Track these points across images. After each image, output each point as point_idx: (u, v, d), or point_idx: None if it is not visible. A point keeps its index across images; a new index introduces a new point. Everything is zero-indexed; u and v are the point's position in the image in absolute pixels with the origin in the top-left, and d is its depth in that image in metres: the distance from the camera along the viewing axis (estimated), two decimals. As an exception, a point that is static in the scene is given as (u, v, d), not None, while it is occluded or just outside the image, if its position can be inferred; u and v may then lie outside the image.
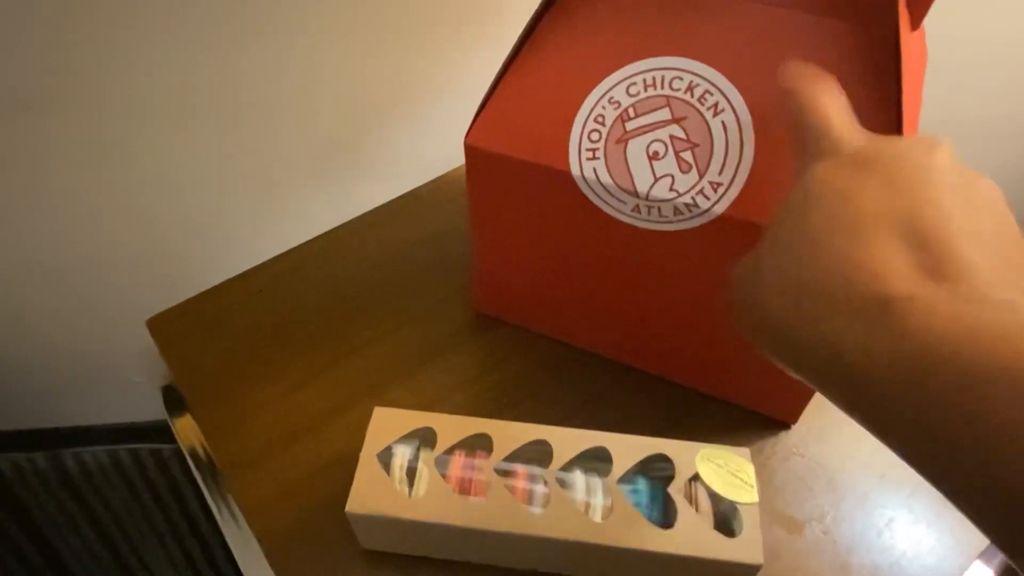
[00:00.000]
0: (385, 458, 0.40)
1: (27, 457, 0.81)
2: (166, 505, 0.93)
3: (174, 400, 0.59)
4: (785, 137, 0.30)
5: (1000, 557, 0.44)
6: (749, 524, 0.37)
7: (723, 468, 0.39)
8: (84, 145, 0.56)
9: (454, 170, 0.67)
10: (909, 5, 0.33)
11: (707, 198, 0.37)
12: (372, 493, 0.38)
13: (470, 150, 0.42)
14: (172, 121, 0.58)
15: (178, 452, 0.85)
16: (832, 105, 0.27)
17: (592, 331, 0.51)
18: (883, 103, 0.34)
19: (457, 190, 0.65)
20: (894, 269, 0.21)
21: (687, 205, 0.38)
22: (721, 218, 0.37)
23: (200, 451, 0.54)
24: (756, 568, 0.36)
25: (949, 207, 0.21)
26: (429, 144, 0.72)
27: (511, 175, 0.42)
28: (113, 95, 0.54)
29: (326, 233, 0.62)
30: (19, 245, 0.61)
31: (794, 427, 0.48)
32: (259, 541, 0.43)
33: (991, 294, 0.19)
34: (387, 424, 0.41)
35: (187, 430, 0.56)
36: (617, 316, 0.48)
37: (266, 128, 0.63)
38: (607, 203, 0.40)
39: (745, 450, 0.40)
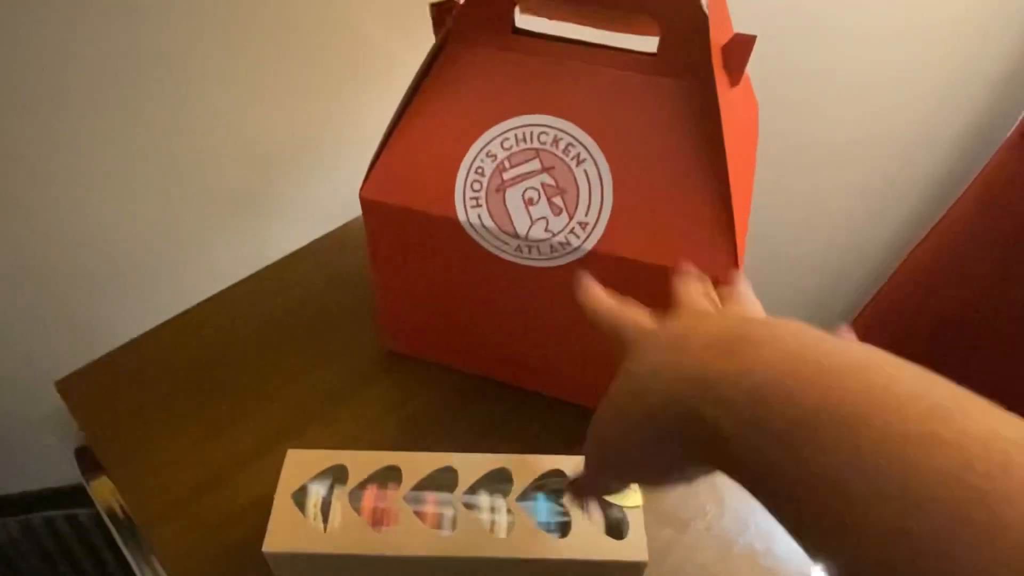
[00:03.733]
0: (300, 497, 0.42)
1: None
2: (84, 572, 0.90)
3: (89, 461, 0.58)
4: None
5: None
6: (635, 526, 0.41)
7: (611, 477, 0.43)
8: None
9: (356, 218, 0.71)
10: (725, 66, 0.39)
11: (577, 236, 0.42)
12: (288, 531, 0.40)
13: (366, 202, 0.46)
14: (70, 178, 0.59)
15: (95, 516, 0.82)
16: (614, 307, 0.31)
17: (491, 360, 0.55)
18: (708, 142, 0.40)
19: (360, 236, 0.68)
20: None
21: (561, 243, 0.43)
22: (591, 253, 0.42)
23: (118, 510, 0.54)
24: (642, 565, 0.40)
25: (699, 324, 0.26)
26: (331, 192, 0.75)
27: (405, 223, 0.46)
28: (4, 152, 0.55)
29: (233, 285, 0.64)
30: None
31: None
32: None
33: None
34: (300, 464, 0.43)
35: (104, 490, 0.56)
36: (509, 345, 0.52)
37: (168, 181, 0.65)
38: (492, 244, 0.44)
39: (630, 459, 0.44)
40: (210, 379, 0.56)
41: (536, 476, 0.43)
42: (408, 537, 0.40)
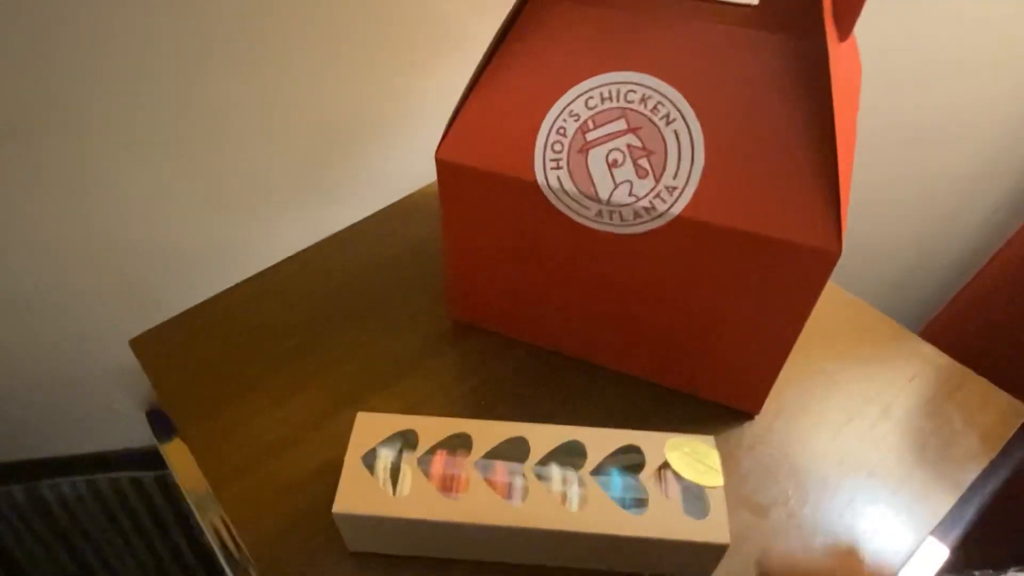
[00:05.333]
0: (369, 461, 0.41)
1: (3, 491, 0.81)
2: (147, 534, 0.93)
3: (161, 424, 0.59)
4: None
5: (954, 532, 0.47)
6: (716, 507, 0.39)
7: (690, 455, 0.41)
8: (62, 174, 0.57)
9: (426, 187, 0.70)
10: (836, 18, 0.36)
11: (664, 201, 0.40)
12: (358, 494, 0.40)
13: (441, 164, 0.45)
14: (150, 150, 0.60)
15: (159, 480, 0.84)
16: None
17: (563, 334, 0.53)
18: (814, 103, 0.37)
19: (429, 206, 0.68)
20: None
21: (645, 208, 0.40)
22: (678, 219, 0.40)
23: (188, 473, 0.55)
24: (723, 548, 0.38)
25: None
26: (399, 163, 0.74)
27: (481, 186, 0.44)
28: (89, 125, 0.56)
29: (302, 251, 0.64)
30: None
31: (757, 417, 0.51)
32: (250, 552, 0.45)
33: None
34: (370, 428, 0.43)
35: (175, 452, 0.57)
36: (586, 318, 0.50)
37: (242, 153, 0.65)
38: (572, 209, 0.43)
39: (710, 438, 0.42)
40: (279, 344, 0.56)
41: (611, 451, 0.42)
42: (478, 505, 0.39)
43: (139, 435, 0.80)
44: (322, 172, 0.72)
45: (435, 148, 0.44)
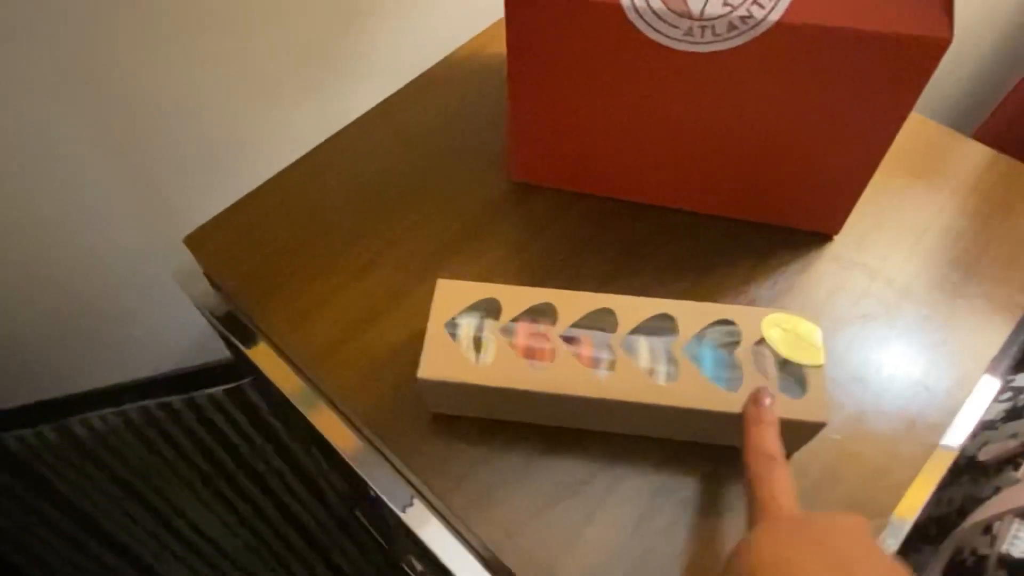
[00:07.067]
0: (451, 328, 0.41)
1: (34, 432, 0.79)
2: (187, 453, 0.93)
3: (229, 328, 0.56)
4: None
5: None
6: (814, 385, 0.37)
7: (790, 332, 0.39)
8: (53, 77, 0.51)
9: (459, 48, 0.64)
10: None
11: (761, 7, 0.36)
12: (442, 360, 0.39)
13: None
14: (180, 34, 0.54)
15: (188, 402, 0.83)
16: (779, 482, 0.33)
17: (633, 178, 0.51)
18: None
19: (464, 68, 0.63)
20: None
21: (742, 18, 0.37)
22: (777, 26, 0.36)
23: (270, 369, 0.53)
24: (821, 426, 0.37)
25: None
26: (426, 25, 0.67)
27: (555, 18, 0.41)
28: (116, 15, 0.50)
29: (343, 129, 0.59)
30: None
31: (836, 238, 0.50)
32: (353, 420, 0.46)
33: None
34: (451, 295, 0.42)
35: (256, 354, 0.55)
36: (664, 155, 0.47)
37: (270, 33, 0.59)
38: (658, 31, 0.39)
39: (813, 316, 0.40)
40: (337, 223, 0.53)
41: (703, 325, 0.40)
42: (564, 376, 0.39)
43: (156, 362, 0.79)
44: (340, 50, 0.65)
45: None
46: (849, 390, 0.43)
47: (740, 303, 0.47)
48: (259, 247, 0.53)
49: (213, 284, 0.54)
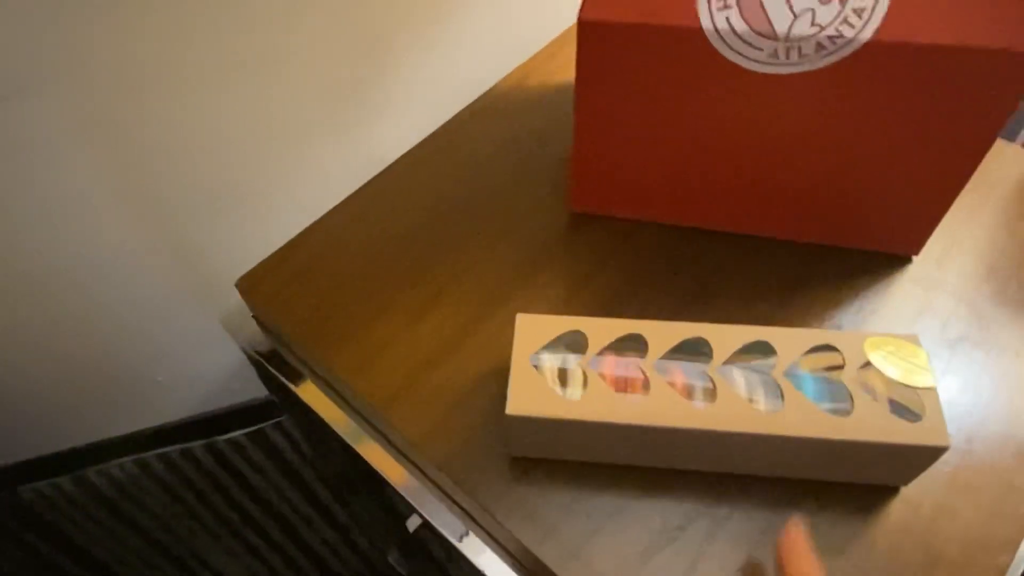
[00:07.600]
0: (535, 362, 0.39)
1: (50, 484, 0.76)
2: (209, 500, 0.89)
3: (273, 369, 0.54)
4: None
5: None
6: (930, 408, 0.35)
7: (894, 355, 0.37)
8: (81, 129, 0.47)
9: (500, 81, 0.64)
10: None
11: (851, 26, 0.36)
12: (530, 396, 0.37)
13: (585, 26, 0.40)
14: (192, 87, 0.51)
15: (209, 447, 0.80)
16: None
17: (703, 205, 0.50)
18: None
19: (519, 96, 0.63)
20: None
21: (831, 38, 0.36)
22: (868, 45, 0.36)
23: (323, 407, 0.51)
24: (943, 450, 0.35)
25: None
26: (474, 55, 0.67)
27: (631, 45, 0.40)
28: (121, 69, 0.46)
29: (385, 169, 0.59)
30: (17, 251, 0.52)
31: (916, 259, 0.49)
32: (424, 470, 0.43)
33: None
34: (533, 330, 0.40)
35: (304, 392, 0.53)
36: (737, 180, 0.47)
37: (299, 71, 0.56)
38: (742, 54, 0.38)
39: (914, 335, 0.38)
40: (393, 262, 0.52)
41: (803, 351, 0.38)
42: (661, 407, 0.37)
43: (177, 407, 0.75)
44: (370, 87, 0.64)
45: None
46: (952, 416, 0.41)
47: (827, 329, 0.45)
48: (314, 290, 0.51)
49: (263, 327, 0.52)
